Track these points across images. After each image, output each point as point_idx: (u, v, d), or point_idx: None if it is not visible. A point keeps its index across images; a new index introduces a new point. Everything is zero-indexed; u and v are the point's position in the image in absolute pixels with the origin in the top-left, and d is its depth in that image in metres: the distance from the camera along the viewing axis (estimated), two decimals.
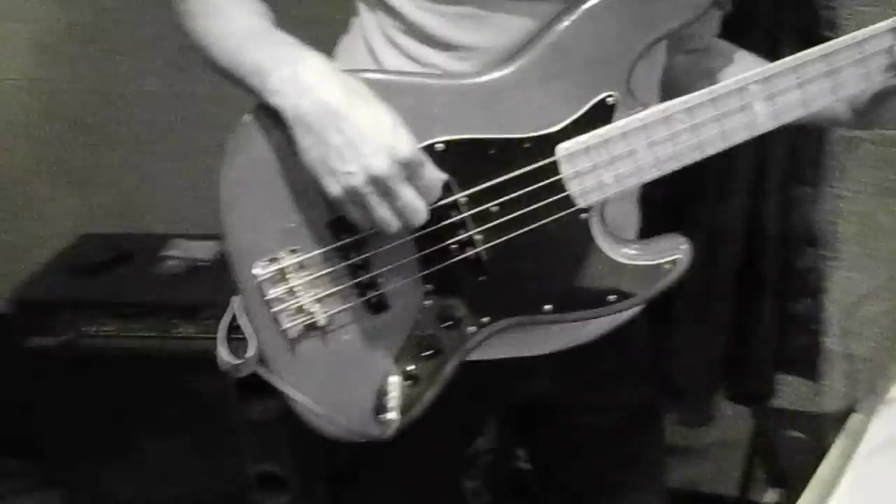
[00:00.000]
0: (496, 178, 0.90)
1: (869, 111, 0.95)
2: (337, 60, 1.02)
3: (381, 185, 0.82)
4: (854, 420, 1.09)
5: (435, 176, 0.85)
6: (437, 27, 0.91)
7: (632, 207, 1.05)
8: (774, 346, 1.85)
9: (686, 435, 2.12)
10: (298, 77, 0.84)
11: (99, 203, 2.23)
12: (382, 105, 0.84)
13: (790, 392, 2.02)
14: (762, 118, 0.89)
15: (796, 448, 1.70)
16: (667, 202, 1.71)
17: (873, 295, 1.95)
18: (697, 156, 0.90)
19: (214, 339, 0.96)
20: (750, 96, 0.88)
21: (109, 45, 2.07)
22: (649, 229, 1.06)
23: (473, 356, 0.97)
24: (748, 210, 1.75)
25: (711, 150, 0.90)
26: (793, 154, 1.74)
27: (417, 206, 0.83)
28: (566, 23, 0.87)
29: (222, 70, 0.91)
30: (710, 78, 1.02)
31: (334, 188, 0.83)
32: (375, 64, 0.96)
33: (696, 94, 0.88)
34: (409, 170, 0.82)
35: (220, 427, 1.72)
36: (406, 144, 0.82)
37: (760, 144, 1.68)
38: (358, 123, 0.81)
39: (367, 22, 0.97)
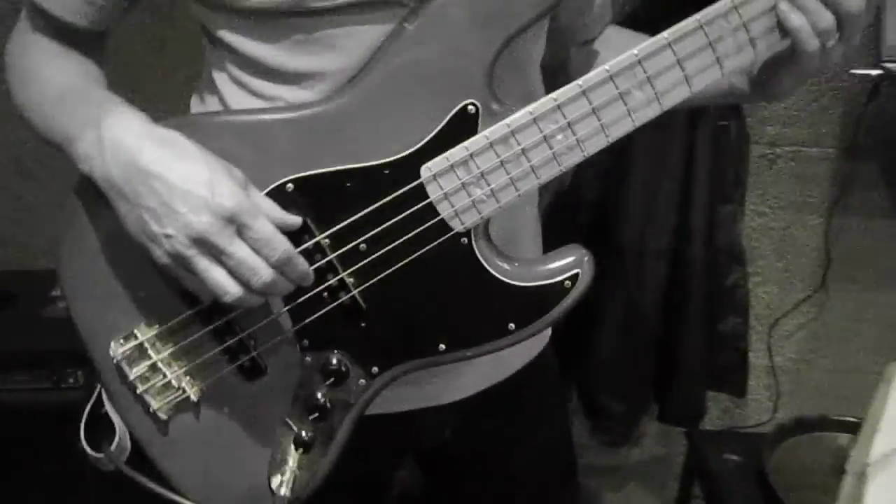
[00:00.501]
0: (358, 212, 0.81)
1: (765, 81, 0.86)
2: (191, 107, 0.94)
3: (206, 246, 0.72)
4: (847, 483, 0.98)
5: (269, 228, 0.74)
6: (272, 58, 0.82)
7: (527, 219, 0.96)
8: (704, 365, 1.83)
9: (613, 454, 2.10)
10: (103, 138, 0.74)
11: None
12: (201, 155, 0.74)
13: (714, 406, 2.05)
14: (643, 105, 0.80)
15: (733, 470, 1.68)
16: (592, 224, 1.68)
17: (792, 308, 2.00)
18: (578, 157, 0.81)
19: None
20: (625, 82, 0.79)
21: None
22: None
23: (375, 409, 0.88)
24: (675, 230, 1.73)
25: (594, 148, 0.81)
26: (716, 173, 1.72)
27: (253, 264, 0.73)
28: (407, 32, 0.78)
29: (47, 144, 0.82)
30: None
31: (159, 255, 0.74)
32: (223, 107, 0.88)
33: (565, 88, 0.79)
34: (237, 224, 0.73)
35: (119, 483, 1.58)
36: (227, 196, 0.72)
37: (686, 164, 1.70)
38: (170, 180, 0.72)
39: (212, 62, 0.89)
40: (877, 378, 1.87)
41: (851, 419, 1.72)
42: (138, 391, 0.84)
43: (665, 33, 0.79)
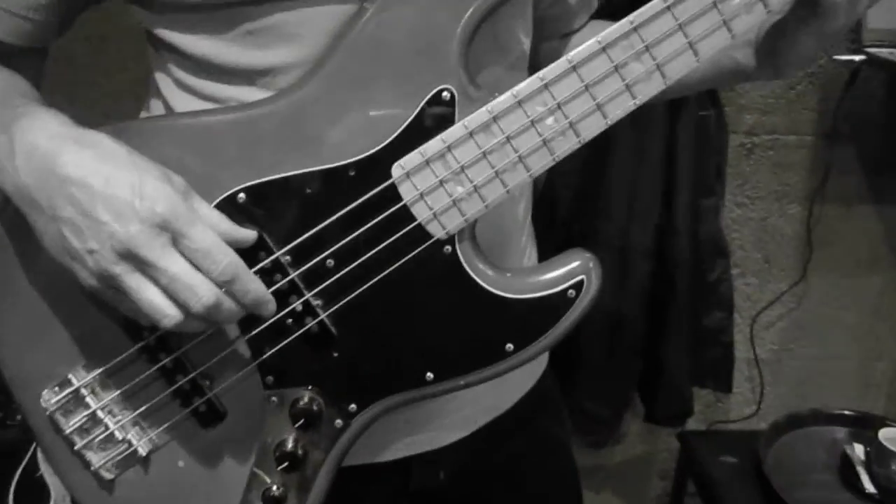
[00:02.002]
0: (322, 222, 0.70)
1: (777, 50, 0.75)
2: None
3: (134, 260, 0.61)
4: None
5: (210, 237, 0.63)
6: (220, 55, 0.72)
7: (518, 222, 0.84)
8: (690, 362, 1.79)
9: (595, 453, 2.06)
10: (14, 141, 0.63)
11: None
12: (128, 157, 0.63)
13: (697, 401, 1.98)
14: (643, 78, 0.69)
15: (730, 472, 1.65)
16: (571, 224, 1.63)
17: (774, 299, 1.97)
18: (573, 142, 0.69)
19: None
20: (620, 53, 0.68)
21: None
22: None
23: (362, 459, 0.76)
24: (658, 226, 1.68)
25: (590, 132, 0.69)
26: (698, 165, 1.66)
27: (191, 281, 0.61)
28: (368, 13, 0.68)
29: None
30: None
31: (84, 277, 0.62)
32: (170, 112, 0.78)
33: (553, 65, 0.68)
34: (171, 232, 0.61)
35: None
36: (158, 199, 0.61)
37: (667, 157, 1.65)
38: (91, 185, 0.61)
39: (158, 69, 0.79)
40: (858, 365, 1.99)
41: (847, 412, 1.72)
42: (76, 447, 0.72)
43: None
